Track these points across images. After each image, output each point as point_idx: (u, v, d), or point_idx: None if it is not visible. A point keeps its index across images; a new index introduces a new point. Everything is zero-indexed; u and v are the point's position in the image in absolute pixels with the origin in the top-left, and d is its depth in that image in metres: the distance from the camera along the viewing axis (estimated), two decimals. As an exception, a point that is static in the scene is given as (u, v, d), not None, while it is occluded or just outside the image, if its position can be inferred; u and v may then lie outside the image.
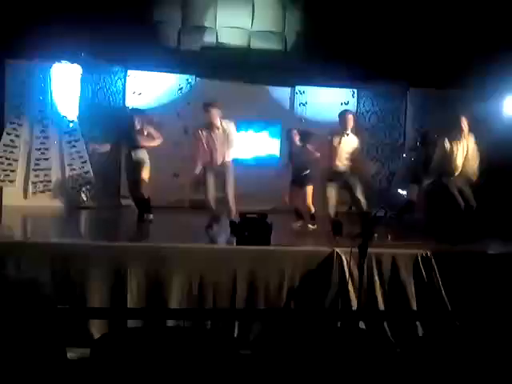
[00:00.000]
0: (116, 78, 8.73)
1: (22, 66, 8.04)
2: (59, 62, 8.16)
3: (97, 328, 4.29)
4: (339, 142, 5.94)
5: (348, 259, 4.78)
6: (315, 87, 9.01)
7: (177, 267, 4.67)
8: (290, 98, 9.02)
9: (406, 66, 8.17)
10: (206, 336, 2.99)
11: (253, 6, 9.10)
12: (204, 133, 5.94)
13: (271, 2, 9.26)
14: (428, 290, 4.96)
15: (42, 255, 4.53)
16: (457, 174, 6.22)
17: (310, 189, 6.52)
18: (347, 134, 5.97)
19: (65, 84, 8.28)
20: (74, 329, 4.28)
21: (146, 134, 6.75)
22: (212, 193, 5.98)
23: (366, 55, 8.33)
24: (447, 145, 6.18)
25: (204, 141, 5.92)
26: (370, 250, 4.55)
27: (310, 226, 6.47)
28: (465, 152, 6.19)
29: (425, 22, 7.66)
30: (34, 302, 2.32)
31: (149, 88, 8.78)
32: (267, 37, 9.15)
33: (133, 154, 6.67)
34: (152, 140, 6.76)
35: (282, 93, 9.11)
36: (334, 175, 5.97)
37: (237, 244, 5.16)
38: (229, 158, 5.99)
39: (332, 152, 5.95)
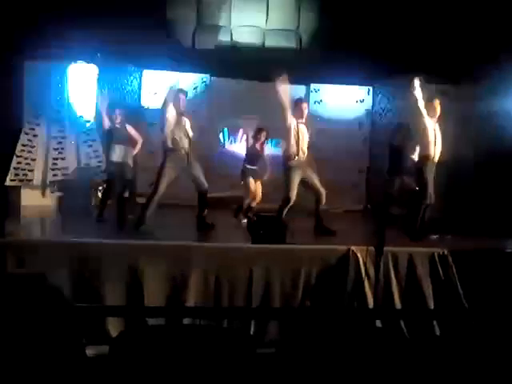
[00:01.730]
0: (131, 77, 8.79)
1: (40, 67, 8.13)
2: (75, 62, 8.24)
3: (114, 326, 4.33)
4: (297, 131, 5.98)
5: (364, 258, 4.76)
6: (330, 85, 8.96)
7: (193, 266, 4.69)
8: (305, 96, 8.97)
9: (421, 62, 8.09)
10: (223, 334, 3.00)
11: (267, 4, 9.10)
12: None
13: (285, 0, 9.25)
14: (445, 288, 4.92)
15: (59, 254, 4.58)
16: (433, 159, 5.98)
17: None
18: (302, 123, 6.03)
19: (81, 84, 8.35)
20: (92, 326, 4.35)
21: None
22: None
23: (381, 52, 8.27)
24: (425, 126, 5.93)
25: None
26: (386, 248, 4.54)
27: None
28: (438, 137, 6.00)
29: (438, 20, 7.58)
30: (50, 300, 2.35)
31: (164, 88, 8.82)
32: (282, 35, 9.14)
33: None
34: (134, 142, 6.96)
35: (296, 91, 9.07)
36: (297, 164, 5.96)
37: (252, 243, 5.16)
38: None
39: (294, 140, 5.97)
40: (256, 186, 7.09)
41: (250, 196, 7.05)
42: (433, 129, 6.01)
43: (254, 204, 7.16)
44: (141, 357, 2.38)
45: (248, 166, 7.13)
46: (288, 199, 5.89)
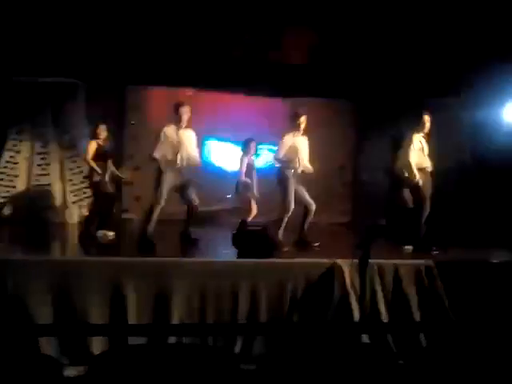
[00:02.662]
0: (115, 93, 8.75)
1: (25, 83, 8.07)
2: (60, 78, 8.19)
3: (97, 345, 4.26)
4: (293, 143, 6.01)
5: (350, 271, 4.75)
6: (313, 99, 8.98)
7: (177, 281, 4.64)
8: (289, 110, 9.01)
9: (406, 76, 8.18)
10: (206, 353, 2.96)
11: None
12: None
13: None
14: (431, 300, 4.91)
15: (41, 272, 4.50)
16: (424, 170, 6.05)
17: None
18: (300, 135, 6.08)
19: (68, 100, 8.31)
20: (74, 346, 4.27)
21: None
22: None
23: (364, 69, 8.36)
24: (415, 141, 6.02)
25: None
26: (371, 260, 4.53)
27: None
28: (426, 149, 6.10)
29: (420, 36, 7.69)
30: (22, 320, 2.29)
31: (149, 103, 8.82)
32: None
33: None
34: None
35: (278, 104, 9.11)
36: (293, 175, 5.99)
37: (238, 257, 5.13)
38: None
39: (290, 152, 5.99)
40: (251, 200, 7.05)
41: (248, 210, 6.98)
42: (420, 142, 6.08)
43: (249, 219, 7.08)
44: (121, 377, 2.33)
45: (244, 180, 7.07)
46: (288, 209, 5.90)
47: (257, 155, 7.69)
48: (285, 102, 9.01)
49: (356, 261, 4.27)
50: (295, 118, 6.10)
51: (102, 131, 6.69)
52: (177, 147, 5.74)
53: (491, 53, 6.98)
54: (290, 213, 5.93)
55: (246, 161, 7.20)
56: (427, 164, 6.11)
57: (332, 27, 7.72)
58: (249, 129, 8.36)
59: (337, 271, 4.83)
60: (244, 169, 7.14)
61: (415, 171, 5.98)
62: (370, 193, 8.88)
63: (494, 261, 5.35)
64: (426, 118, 6.13)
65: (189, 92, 8.75)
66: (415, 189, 6.03)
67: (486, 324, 4.44)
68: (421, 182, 5.96)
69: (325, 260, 4.94)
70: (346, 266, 4.77)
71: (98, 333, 3.84)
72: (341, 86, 8.70)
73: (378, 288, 4.87)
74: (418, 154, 6.06)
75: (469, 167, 7.69)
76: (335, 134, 9.22)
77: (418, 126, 6.13)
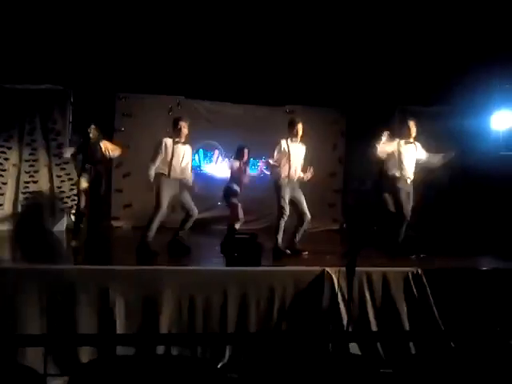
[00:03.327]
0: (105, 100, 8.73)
1: (12, 90, 8.03)
2: (48, 85, 8.16)
3: (85, 355, 4.22)
4: (288, 150, 6.06)
5: (339, 278, 4.75)
6: (304, 106, 9.01)
7: (166, 290, 4.61)
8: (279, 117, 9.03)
9: (393, 85, 8.25)
10: (194, 363, 2.94)
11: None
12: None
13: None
14: (420, 307, 4.92)
15: (29, 280, 4.46)
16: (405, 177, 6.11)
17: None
18: (296, 142, 6.12)
19: (55, 107, 8.27)
20: (61, 356, 4.22)
21: (103, 148, 7.10)
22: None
23: (354, 73, 8.41)
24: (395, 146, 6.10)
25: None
26: (360, 268, 4.54)
27: None
28: (413, 157, 6.14)
29: (408, 41, 7.75)
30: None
31: (139, 110, 8.80)
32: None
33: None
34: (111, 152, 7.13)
35: (270, 112, 9.13)
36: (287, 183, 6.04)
37: (227, 265, 5.11)
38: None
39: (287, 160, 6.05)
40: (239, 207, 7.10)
41: (235, 217, 7.03)
42: (403, 150, 6.11)
43: (238, 226, 7.10)
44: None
45: (232, 187, 7.12)
46: (283, 214, 5.95)
47: (249, 162, 7.72)
48: (275, 110, 9.05)
49: (344, 268, 4.26)
50: (292, 125, 6.13)
51: (93, 130, 6.84)
52: (172, 160, 5.83)
53: (479, 61, 7.05)
54: (286, 217, 5.96)
55: (235, 167, 7.21)
56: (409, 173, 6.13)
57: (322, 36, 7.75)
58: (239, 136, 8.40)
59: (326, 279, 4.82)
60: (234, 174, 7.16)
61: (396, 176, 6.05)
62: (360, 200, 8.93)
63: (483, 268, 5.38)
64: (412, 124, 6.16)
65: (178, 100, 8.78)
66: (395, 194, 6.09)
67: (475, 331, 4.46)
68: (400, 189, 6.00)
69: (314, 268, 4.94)
70: (336, 273, 4.77)
71: (86, 343, 3.80)
72: (330, 94, 8.75)
73: (367, 295, 4.87)
74: (399, 160, 6.08)
75: (456, 175, 7.74)
76: (325, 142, 9.26)
77: (403, 132, 6.17)
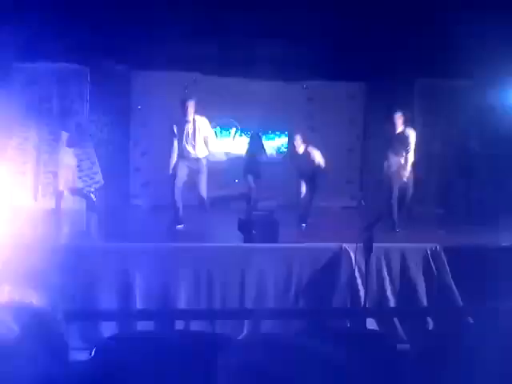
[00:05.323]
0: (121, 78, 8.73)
1: (30, 69, 8.07)
2: (66, 63, 8.18)
3: (107, 330, 4.31)
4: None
5: (356, 255, 4.75)
6: (321, 82, 8.90)
7: (184, 266, 4.67)
8: (296, 93, 8.94)
9: (413, 58, 8.06)
10: (213, 338, 2.97)
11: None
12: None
13: None
14: (438, 284, 4.91)
15: (52, 257, 4.54)
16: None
17: None
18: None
19: (73, 86, 8.31)
20: (84, 330, 4.32)
21: None
22: (179, 184, 6.00)
23: (372, 49, 8.24)
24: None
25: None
26: (378, 244, 4.53)
27: None
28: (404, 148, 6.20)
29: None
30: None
31: (155, 88, 8.78)
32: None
33: None
34: None
35: (286, 88, 9.04)
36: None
37: (244, 242, 5.14)
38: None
39: None
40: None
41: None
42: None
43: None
44: (125, 363, 2.35)
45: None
46: None
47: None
48: (292, 86, 8.95)
49: (361, 245, 4.26)
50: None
51: None
52: (185, 140, 6.00)
53: (502, 36, 6.83)
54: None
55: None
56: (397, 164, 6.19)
57: (339, 9, 7.59)
58: (256, 113, 8.35)
59: (344, 255, 4.83)
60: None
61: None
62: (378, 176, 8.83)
63: (503, 244, 5.31)
64: (397, 116, 6.25)
65: (194, 77, 8.74)
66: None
67: (494, 308, 4.43)
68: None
69: (332, 244, 4.94)
70: (353, 249, 4.77)
71: (107, 317, 3.89)
72: (348, 69, 8.60)
73: (385, 271, 4.87)
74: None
75: (476, 152, 7.60)
76: (343, 118, 9.16)
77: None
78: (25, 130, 8.14)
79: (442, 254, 4.93)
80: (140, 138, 8.79)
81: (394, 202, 6.11)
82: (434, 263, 4.91)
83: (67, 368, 1.43)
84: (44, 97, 8.18)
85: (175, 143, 6.06)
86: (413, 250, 4.98)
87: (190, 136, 6.06)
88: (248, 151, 7.94)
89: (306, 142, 6.61)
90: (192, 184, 6.15)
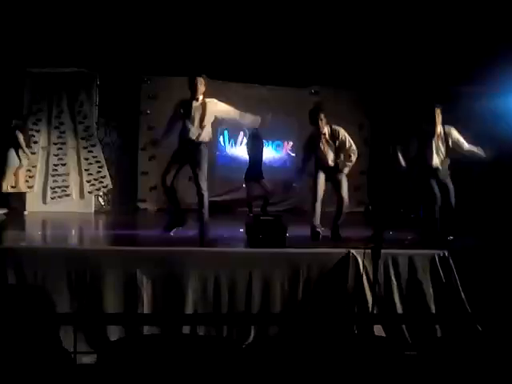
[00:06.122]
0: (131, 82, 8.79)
1: (40, 74, 8.15)
2: (75, 69, 8.24)
3: (113, 334, 4.31)
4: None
5: (364, 260, 4.72)
6: (329, 87, 8.91)
7: (191, 271, 4.66)
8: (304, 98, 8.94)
9: (418, 65, 8.05)
10: (220, 343, 2.97)
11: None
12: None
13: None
14: (446, 290, 4.87)
15: (57, 260, 4.57)
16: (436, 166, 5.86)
17: None
18: (324, 134, 5.88)
19: (82, 90, 8.37)
20: (90, 334, 4.33)
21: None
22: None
23: (379, 55, 8.25)
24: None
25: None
26: (386, 250, 4.50)
27: None
28: (443, 145, 5.85)
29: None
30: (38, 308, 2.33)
31: (164, 92, 8.83)
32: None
33: None
34: None
35: (296, 93, 9.05)
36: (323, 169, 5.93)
37: (251, 247, 5.13)
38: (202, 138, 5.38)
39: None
40: None
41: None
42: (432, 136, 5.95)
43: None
44: (131, 366, 2.36)
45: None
46: (314, 199, 5.89)
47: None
48: (300, 91, 8.97)
49: (369, 251, 4.23)
50: (313, 118, 5.91)
51: None
52: (190, 121, 5.34)
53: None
54: (319, 201, 5.87)
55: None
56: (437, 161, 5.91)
57: (346, 15, 7.60)
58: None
59: (351, 261, 4.80)
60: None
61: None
62: (386, 182, 8.82)
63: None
64: (438, 111, 5.82)
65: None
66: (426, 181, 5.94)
67: (503, 315, 4.39)
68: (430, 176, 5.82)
69: (339, 250, 4.91)
70: (361, 255, 4.74)
71: (113, 322, 3.90)
72: (355, 74, 8.60)
73: (393, 278, 4.84)
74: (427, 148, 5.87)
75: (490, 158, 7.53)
76: (351, 123, 9.14)
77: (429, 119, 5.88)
78: (34, 133, 8.22)
79: (450, 259, 4.89)
80: (148, 142, 8.82)
81: (438, 205, 5.76)
82: (443, 269, 4.87)
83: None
84: (54, 101, 8.26)
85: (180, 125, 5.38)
86: (421, 255, 4.94)
87: (195, 118, 5.35)
88: (249, 153, 7.98)
89: None
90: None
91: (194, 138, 5.31)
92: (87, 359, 3.87)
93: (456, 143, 5.83)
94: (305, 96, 8.86)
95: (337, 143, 5.95)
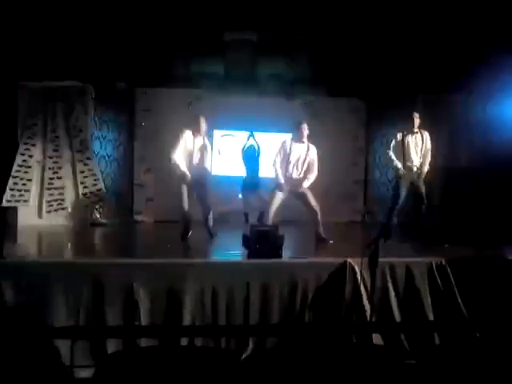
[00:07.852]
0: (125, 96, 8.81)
1: (34, 87, 8.15)
2: (70, 82, 8.25)
3: (111, 346, 4.28)
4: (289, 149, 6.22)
5: (361, 269, 4.72)
6: (323, 97, 8.96)
7: (189, 282, 4.65)
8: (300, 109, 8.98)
9: (414, 72, 8.13)
10: (218, 354, 2.96)
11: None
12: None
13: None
14: (444, 298, 4.87)
15: (54, 274, 4.55)
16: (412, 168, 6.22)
17: None
18: (303, 142, 6.22)
19: (77, 104, 8.37)
20: (89, 348, 4.30)
21: None
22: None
23: (374, 64, 8.31)
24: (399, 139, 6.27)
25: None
26: (383, 259, 4.51)
27: None
28: (419, 147, 6.25)
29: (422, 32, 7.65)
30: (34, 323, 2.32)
31: (158, 104, 8.86)
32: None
33: None
34: None
35: (290, 105, 9.09)
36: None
37: (248, 257, 5.13)
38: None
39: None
40: None
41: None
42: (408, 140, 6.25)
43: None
44: (133, 379, 2.35)
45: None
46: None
47: None
48: (294, 101, 9.01)
49: (366, 259, 4.24)
50: (297, 125, 6.25)
51: None
52: (190, 155, 6.12)
53: (502, 47, 6.89)
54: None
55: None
56: (415, 162, 6.24)
57: (339, 26, 7.68)
58: (258, 128, 8.40)
59: (349, 270, 4.80)
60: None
61: (398, 166, 6.21)
62: (380, 190, 8.85)
63: (509, 257, 5.28)
64: (416, 115, 6.26)
65: (197, 94, 8.80)
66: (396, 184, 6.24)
67: (500, 322, 4.39)
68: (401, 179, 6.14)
69: (337, 259, 4.92)
70: (358, 264, 4.75)
71: (111, 334, 3.87)
72: (350, 84, 8.67)
73: (390, 286, 4.84)
74: (407, 151, 6.20)
75: (479, 164, 7.60)
76: (346, 132, 9.21)
77: (408, 124, 6.25)
78: (29, 146, 8.20)
79: (448, 267, 4.90)
80: (144, 154, 8.85)
81: (397, 207, 6.15)
82: (440, 277, 4.88)
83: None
84: (49, 114, 8.25)
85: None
86: (418, 264, 4.95)
87: (199, 152, 6.17)
88: (245, 165, 8.02)
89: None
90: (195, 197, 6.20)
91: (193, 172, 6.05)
92: (85, 373, 3.85)
93: (427, 150, 6.24)
94: (298, 106, 8.91)
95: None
